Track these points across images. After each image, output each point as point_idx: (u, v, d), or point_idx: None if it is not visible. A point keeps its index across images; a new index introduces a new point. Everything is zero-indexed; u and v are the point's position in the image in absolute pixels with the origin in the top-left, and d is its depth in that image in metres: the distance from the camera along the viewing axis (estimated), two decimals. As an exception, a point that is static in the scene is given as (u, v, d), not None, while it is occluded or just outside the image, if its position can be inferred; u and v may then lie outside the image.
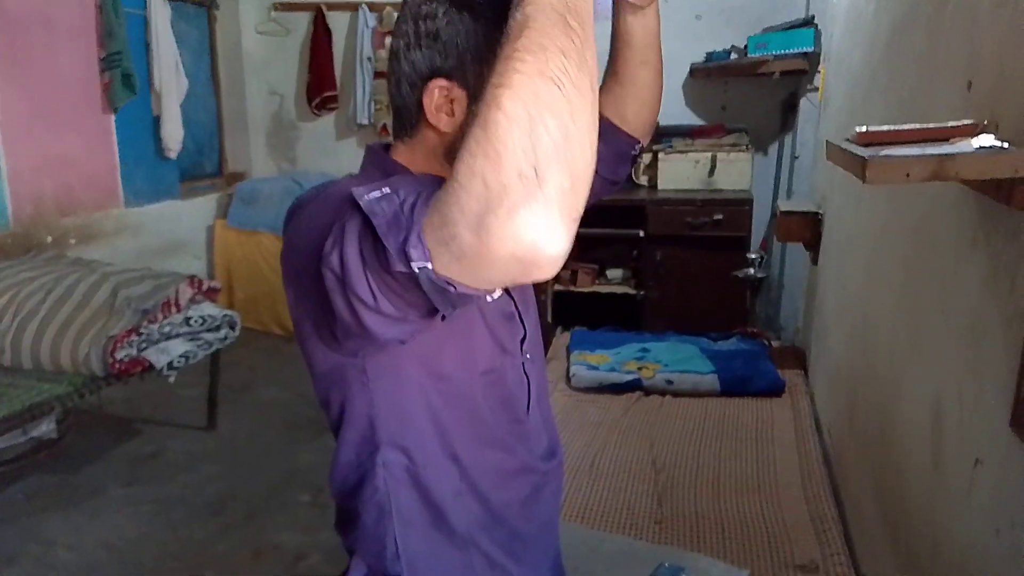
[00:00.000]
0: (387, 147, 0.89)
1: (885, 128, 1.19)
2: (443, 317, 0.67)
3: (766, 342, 3.42)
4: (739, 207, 3.74)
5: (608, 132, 1.03)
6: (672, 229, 3.80)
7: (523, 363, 0.97)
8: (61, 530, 2.53)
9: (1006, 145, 1.01)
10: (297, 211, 0.83)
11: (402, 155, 0.86)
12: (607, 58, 1.03)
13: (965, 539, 1.17)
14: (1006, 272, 1.07)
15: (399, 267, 0.60)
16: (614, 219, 3.84)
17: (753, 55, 3.71)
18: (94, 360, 2.73)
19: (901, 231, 1.68)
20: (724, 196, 3.81)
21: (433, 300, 0.63)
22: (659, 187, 4.01)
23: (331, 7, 4.37)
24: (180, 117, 3.88)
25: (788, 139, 4.08)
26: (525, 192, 0.53)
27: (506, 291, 0.94)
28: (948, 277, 1.33)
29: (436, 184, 0.63)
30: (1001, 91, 1.13)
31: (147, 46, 3.72)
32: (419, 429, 0.86)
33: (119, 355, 2.73)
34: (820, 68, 3.40)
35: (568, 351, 3.32)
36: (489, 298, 0.65)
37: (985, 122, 1.13)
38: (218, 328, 3.13)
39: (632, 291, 4.04)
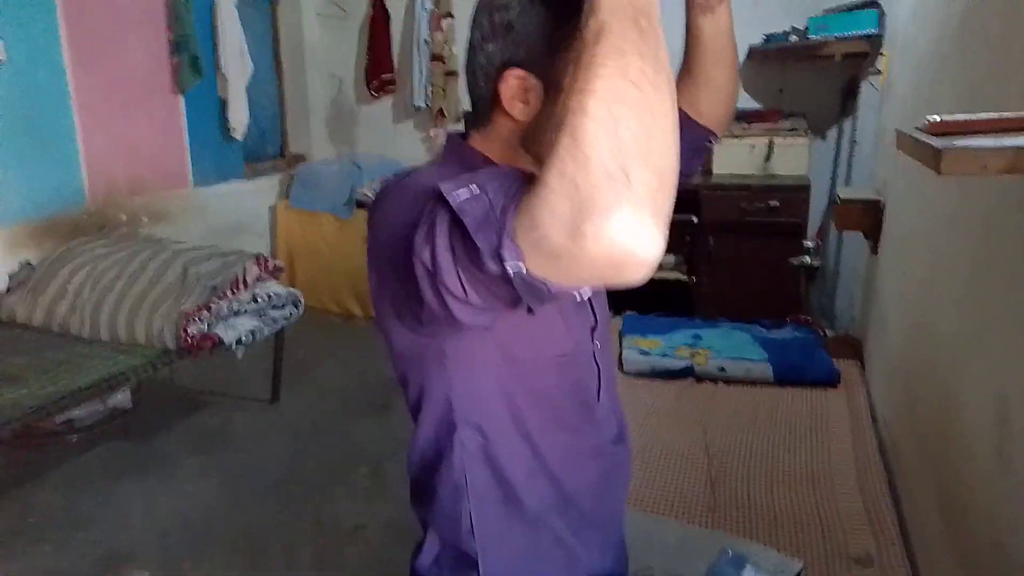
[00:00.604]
0: (464, 135, 0.92)
1: (959, 117, 1.18)
2: (530, 309, 0.69)
3: (821, 331, 3.38)
4: (796, 194, 3.68)
5: (683, 125, 1.04)
6: (726, 215, 3.77)
7: (593, 351, 0.99)
8: (134, 495, 2.67)
9: (1086, 139, 1.00)
10: (382, 199, 0.86)
11: (479, 144, 0.89)
12: (681, 55, 1.04)
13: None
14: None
15: (492, 267, 0.62)
16: (668, 204, 3.82)
17: (814, 37, 3.63)
18: (167, 335, 2.86)
19: (969, 223, 1.66)
20: (780, 182, 3.76)
21: (524, 297, 0.65)
22: (714, 172, 3.97)
23: (390, -10, 4.43)
24: (246, 99, 3.99)
25: (848, 125, 3.99)
26: (615, 193, 0.55)
27: None
28: (1018, 272, 1.31)
29: (523, 181, 0.65)
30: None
31: (213, 30, 3.83)
32: (494, 410, 0.89)
33: (191, 330, 2.85)
34: (883, 52, 3.32)
35: (620, 336, 3.34)
36: (578, 296, 0.67)
37: (1064, 115, 1.12)
38: (283, 306, 3.24)
39: (684, 277, 4.02)
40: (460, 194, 0.66)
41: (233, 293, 3.02)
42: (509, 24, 0.80)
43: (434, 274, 0.68)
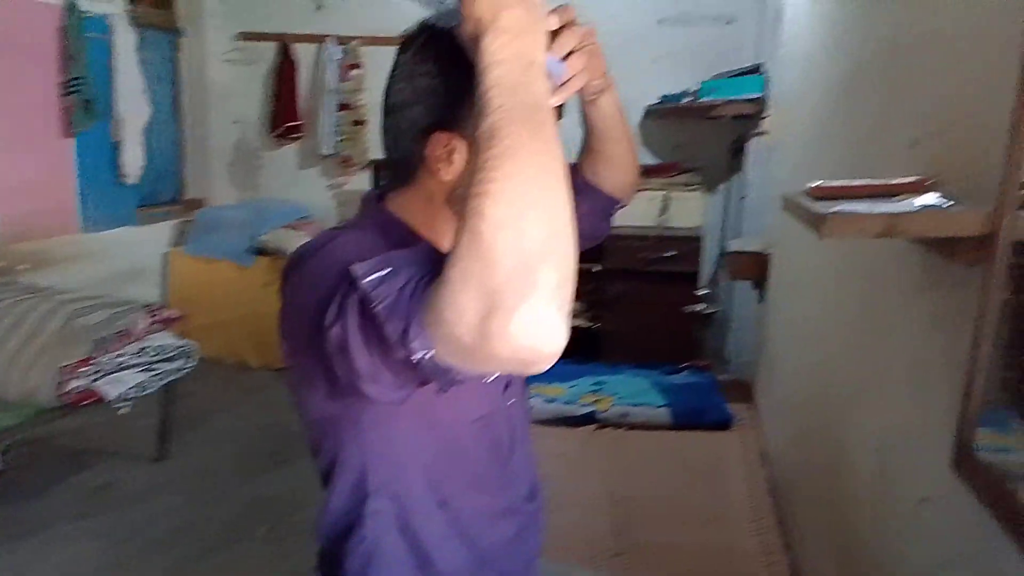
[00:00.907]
0: (381, 196, 0.92)
1: (837, 183, 1.30)
2: (442, 388, 0.69)
3: (715, 376, 3.53)
4: (690, 244, 3.88)
5: (591, 192, 1.10)
6: (628, 264, 3.92)
7: (508, 407, 1.01)
8: (4, 568, 2.45)
9: (950, 203, 1.11)
10: (297, 267, 0.84)
11: (398, 205, 0.90)
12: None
13: (912, 573, 1.25)
14: (950, 320, 1.16)
15: (400, 353, 0.63)
16: (572, 253, 3.94)
17: (705, 98, 3.88)
18: (44, 391, 2.67)
19: (854, 274, 1.79)
20: (676, 233, 3.95)
21: (433, 380, 0.65)
22: (615, 223, 4.11)
23: (297, 39, 4.41)
24: (142, 144, 3.85)
25: (736, 180, 4.26)
26: (519, 293, 0.56)
27: None
28: (897, 320, 1.43)
29: (435, 263, 0.65)
30: (944, 152, 1.24)
31: (111, 71, 3.69)
32: (410, 477, 0.89)
33: (71, 386, 2.68)
34: (770, 114, 3.58)
35: (525, 383, 3.37)
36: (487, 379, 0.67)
37: (929, 181, 1.24)
38: (174, 358, 3.09)
39: (588, 323, 4.13)
40: (373, 278, 0.66)
41: (120, 345, 2.86)
42: (431, 88, 0.82)
43: (345, 353, 0.68)
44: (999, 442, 0.99)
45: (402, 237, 0.87)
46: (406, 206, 0.89)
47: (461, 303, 0.57)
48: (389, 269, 0.66)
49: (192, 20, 4.41)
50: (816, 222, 1.07)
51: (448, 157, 0.83)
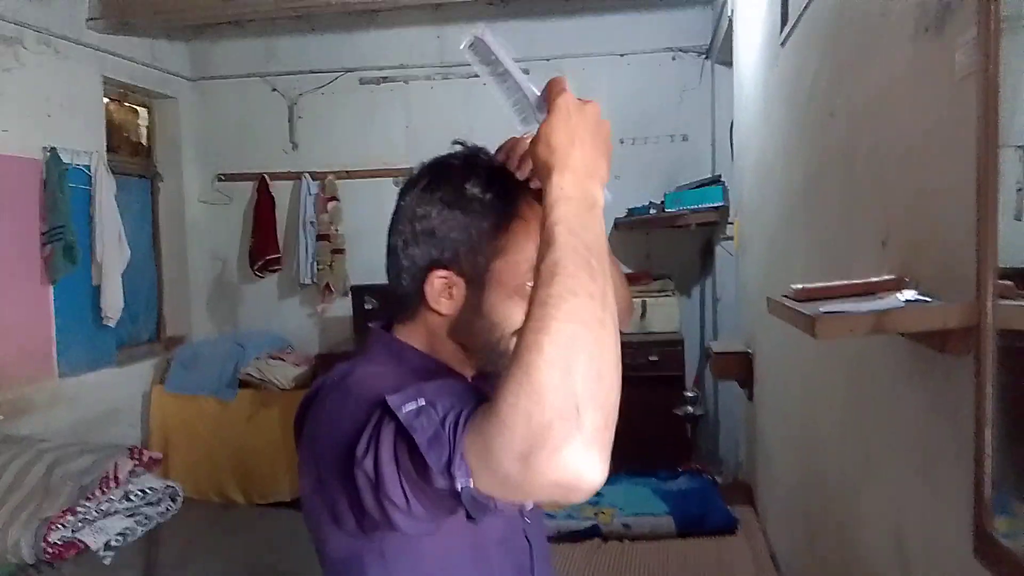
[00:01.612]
0: (386, 326, 0.96)
1: (819, 285, 1.37)
2: (470, 517, 0.69)
3: (712, 478, 3.51)
4: (671, 347, 3.96)
5: None
6: (613, 372, 3.94)
7: (524, 528, 1.01)
8: None
9: (928, 299, 1.19)
10: (320, 400, 0.86)
11: (406, 334, 0.93)
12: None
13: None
14: (948, 408, 1.21)
15: (441, 483, 0.64)
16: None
17: (670, 209, 4.07)
18: (24, 547, 2.57)
19: (838, 367, 1.85)
20: (656, 338, 4.03)
21: (469, 510, 0.66)
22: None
23: (274, 176, 4.56)
24: (120, 286, 3.88)
25: (709, 282, 4.39)
26: (566, 431, 0.59)
27: None
28: (891, 409, 1.47)
29: (472, 396, 0.68)
30: (913, 250, 1.33)
31: (90, 219, 3.76)
32: None
33: (53, 538, 2.58)
34: (734, 220, 3.75)
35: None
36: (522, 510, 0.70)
37: (906, 278, 1.32)
38: (158, 501, 3.00)
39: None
40: (408, 407, 0.68)
41: (104, 491, 2.78)
42: (431, 230, 0.87)
43: (376, 485, 0.69)
44: (1013, 526, 1.02)
45: (417, 362, 0.91)
46: (413, 336, 0.93)
47: (509, 433, 0.60)
48: (424, 400, 0.69)
49: (169, 165, 4.56)
50: (809, 324, 1.13)
51: (447, 293, 0.87)
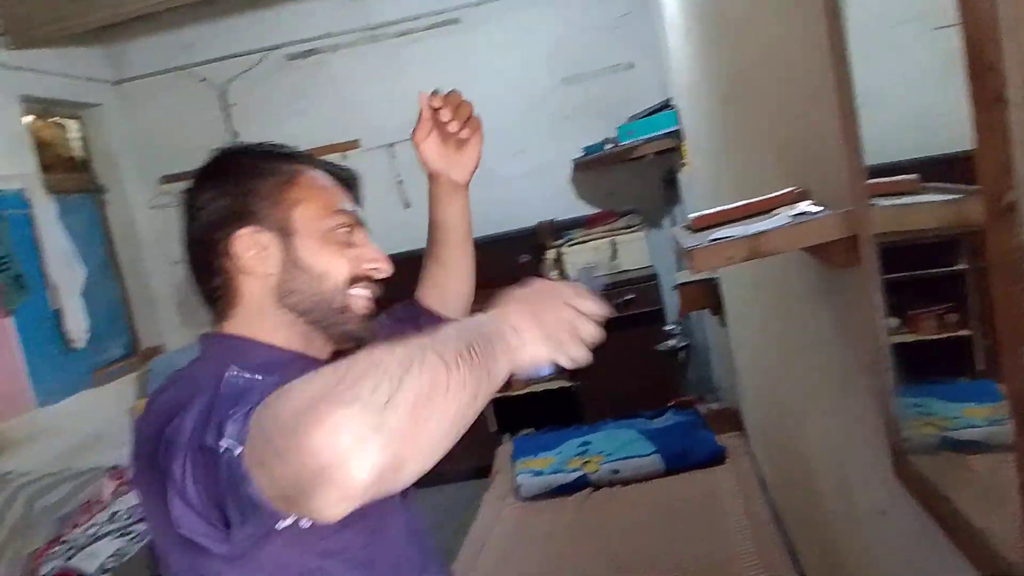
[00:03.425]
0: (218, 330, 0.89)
1: (714, 211, 1.28)
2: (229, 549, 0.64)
3: (701, 409, 3.47)
4: (645, 283, 3.87)
5: (433, 321, 1.11)
6: (589, 316, 3.88)
7: (406, 520, 0.95)
8: None
9: (819, 210, 1.10)
10: (156, 395, 0.81)
11: (236, 327, 0.87)
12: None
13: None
14: (850, 323, 1.13)
15: (208, 439, 0.59)
16: (533, 318, 3.91)
17: (625, 142, 3.93)
18: (14, 583, 2.56)
19: (770, 289, 1.77)
20: (630, 275, 3.94)
21: (226, 496, 0.60)
22: (569, 279, 4.11)
23: (219, 171, 4.45)
24: (82, 307, 3.81)
25: (678, 211, 4.28)
26: (361, 407, 0.54)
27: None
28: (813, 330, 1.40)
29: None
30: (806, 158, 1.24)
31: (35, 242, 3.68)
32: None
33: (43, 571, 2.57)
34: (683, 144, 3.62)
35: (512, 460, 3.28)
36: (281, 524, 0.63)
37: (800, 190, 1.23)
38: (147, 517, 2.98)
39: (567, 383, 4.06)
40: (241, 376, 0.66)
41: (88, 517, 2.76)
42: (216, 198, 0.87)
43: (169, 453, 0.64)
44: (921, 442, 0.95)
45: (262, 356, 0.85)
46: (245, 327, 0.86)
47: (315, 382, 0.57)
48: (261, 375, 0.66)
49: (110, 176, 4.44)
50: (688, 256, 1.05)
51: (258, 249, 0.84)
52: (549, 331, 0.73)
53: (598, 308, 0.79)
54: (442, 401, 0.58)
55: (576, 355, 0.76)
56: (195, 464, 0.62)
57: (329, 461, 0.53)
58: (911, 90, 0.97)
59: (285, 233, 0.85)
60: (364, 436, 0.54)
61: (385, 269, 0.91)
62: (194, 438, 0.62)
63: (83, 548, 2.75)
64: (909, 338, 0.98)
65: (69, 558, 2.67)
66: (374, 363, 0.57)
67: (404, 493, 0.96)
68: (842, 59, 0.88)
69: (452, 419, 0.60)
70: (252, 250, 0.84)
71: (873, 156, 0.97)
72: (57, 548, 2.65)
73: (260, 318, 0.86)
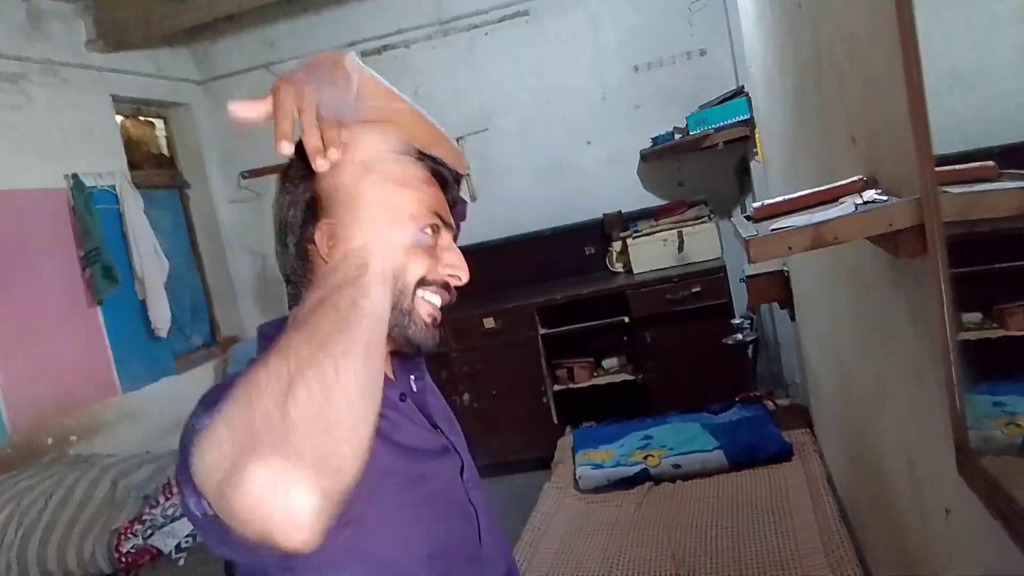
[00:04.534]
0: (284, 322, 0.90)
1: (778, 200, 1.25)
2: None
3: (769, 404, 3.38)
4: (714, 275, 3.80)
5: None
6: (655, 308, 3.84)
7: (467, 494, 0.96)
8: None
9: (887, 198, 1.06)
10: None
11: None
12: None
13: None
14: (921, 315, 1.09)
15: (181, 489, 0.62)
16: (599, 309, 3.90)
17: (695, 131, 3.86)
18: (100, 558, 2.71)
19: (841, 281, 1.71)
20: (698, 268, 3.88)
21: (207, 536, 0.62)
22: (635, 271, 4.08)
23: (294, 165, 4.59)
24: (166, 298, 4.00)
25: (749, 200, 4.18)
26: (270, 442, 0.53)
27: (434, 425, 0.96)
28: (884, 323, 1.35)
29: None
30: (876, 145, 1.19)
31: (124, 236, 3.88)
32: None
33: (124, 548, 2.71)
34: (756, 132, 3.53)
35: (573, 452, 3.28)
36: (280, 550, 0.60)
37: (867, 178, 1.19)
38: (224, 498, 3.11)
39: (631, 376, 4.03)
40: (201, 422, 0.64)
41: (167, 498, 2.90)
42: (303, 189, 0.86)
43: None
44: (989, 439, 0.90)
45: None
46: None
47: (215, 437, 0.55)
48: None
49: (194, 172, 4.65)
50: (745, 246, 1.03)
51: (333, 240, 0.83)
52: (379, 215, 0.71)
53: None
54: (336, 384, 0.57)
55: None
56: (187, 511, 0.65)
57: (266, 518, 0.53)
58: (995, 73, 0.93)
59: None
60: (284, 479, 0.53)
61: (464, 277, 0.88)
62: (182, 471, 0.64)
63: (161, 528, 2.88)
64: (995, 333, 0.94)
65: (148, 536, 2.81)
66: (254, 391, 0.56)
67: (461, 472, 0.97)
68: (912, 40, 0.85)
69: (358, 389, 0.58)
70: (326, 241, 0.84)
71: (950, 143, 0.93)
72: (138, 527, 2.79)
73: None
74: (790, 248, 0.99)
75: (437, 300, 0.88)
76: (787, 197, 1.24)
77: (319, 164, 0.76)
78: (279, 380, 0.56)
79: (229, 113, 0.79)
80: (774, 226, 1.10)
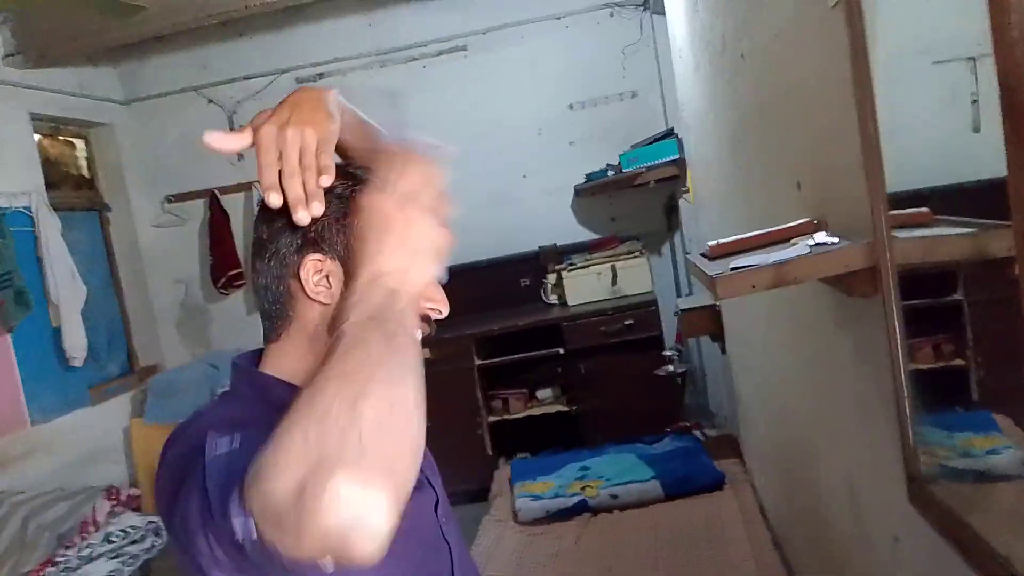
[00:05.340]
0: (257, 355, 0.89)
1: (732, 239, 1.31)
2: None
3: (699, 434, 3.48)
4: (646, 309, 3.90)
5: None
6: (589, 340, 3.91)
7: (440, 529, 0.96)
8: None
9: (836, 240, 1.12)
10: (169, 445, 0.80)
11: (276, 361, 0.86)
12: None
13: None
14: (869, 353, 1.15)
15: (221, 522, 0.61)
16: (533, 341, 3.93)
17: (627, 169, 3.98)
18: (8, 604, 2.53)
19: (783, 317, 1.80)
20: (630, 301, 3.97)
21: (257, 561, 0.61)
22: (569, 303, 4.14)
23: (224, 191, 4.47)
24: (82, 325, 3.80)
25: (677, 237, 4.33)
26: (344, 463, 0.55)
27: None
28: (827, 358, 1.42)
29: None
30: (824, 189, 1.27)
31: (39, 260, 3.68)
32: None
33: (37, 591, 2.54)
34: (688, 172, 3.67)
35: (511, 484, 3.28)
36: (324, 569, 0.61)
37: (816, 220, 1.26)
38: (143, 539, 2.96)
39: (565, 407, 4.07)
40: (218, 452, 0.65)
41: (83, 537, 2.74)
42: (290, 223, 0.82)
43: (188, 536, 0.65)
44: (937, 467, 0.96)
45: (287, 398, 0.84)
46: (285, 360, 0.86)
47: (282, 459, 0.56)
48: (239, 442, 0.65)
49: (115, 194, 4.46)
50: (711, 284, 1.07)
51: (325, 281, 0.82)
52: (417, 245, 0.71)
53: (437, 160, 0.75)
54: (399, 398, 0.60)
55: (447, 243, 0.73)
56: (219, 541, 0.63)
57: (345, 529, 0.54)
58: (918, 122, 1.01)
59: (345, 262, 0.82)
60: (364, 490, 0.54)
61: (444, 311, 0.89)
62: (207, 522, 0.63)
63: (76, 570, 2.72)
64: (936, 364, 1.00)
65: (63, 579, 2.64)
66: (321, 411, 0.57)
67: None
68: (868, 95, 0.92)
69: (415, 401, 0.61)
70: (316, 277, 0.82)
71: (888, 185, 1.00)
72: (49, 570, 2.62)
73: (310, 344, 0.84)
74: (754, 287, 1.04)
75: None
76: (740, 237, 1.30)
77: (299, 216, 0.76)
78: (345, 398, 0.57)
79: (204, 141, 0.78)
80: (732, 264, 1.15)
